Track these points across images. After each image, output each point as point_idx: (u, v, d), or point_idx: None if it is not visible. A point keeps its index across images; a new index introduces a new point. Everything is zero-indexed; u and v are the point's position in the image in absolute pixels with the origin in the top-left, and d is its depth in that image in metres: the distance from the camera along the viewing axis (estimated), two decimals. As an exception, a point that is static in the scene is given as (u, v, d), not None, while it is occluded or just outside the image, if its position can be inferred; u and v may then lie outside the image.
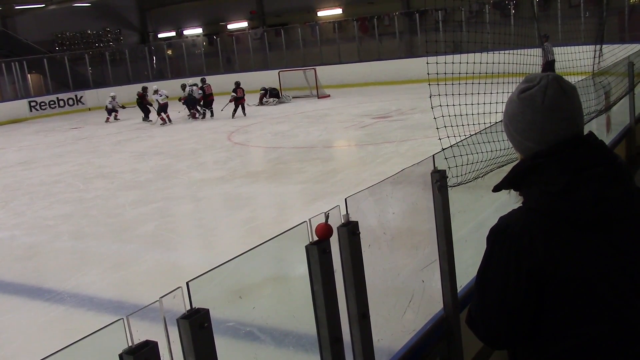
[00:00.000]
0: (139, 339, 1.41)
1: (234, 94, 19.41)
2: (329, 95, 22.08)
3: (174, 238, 8.16)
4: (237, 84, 19.66)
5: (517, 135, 1.58)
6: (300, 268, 2.77)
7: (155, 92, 19.97)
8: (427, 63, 3.49)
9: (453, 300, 2.89)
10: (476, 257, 3.56)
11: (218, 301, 1.96)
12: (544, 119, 1.52)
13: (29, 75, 28.96)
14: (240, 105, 19.41)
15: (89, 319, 5.65)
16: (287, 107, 19.90)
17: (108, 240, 8.07)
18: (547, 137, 1.52)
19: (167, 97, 19.85)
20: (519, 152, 1.62)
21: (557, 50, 7.01)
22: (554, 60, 17.13)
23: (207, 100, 20.17)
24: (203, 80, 20.95)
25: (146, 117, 21.02)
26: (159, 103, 19.76)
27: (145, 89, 21.60)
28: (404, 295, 2.71)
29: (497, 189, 1.61)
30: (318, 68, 22.61)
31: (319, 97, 21.99)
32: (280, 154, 12.57)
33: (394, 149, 11.68)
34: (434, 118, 3.61)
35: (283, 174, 10.73)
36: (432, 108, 3.52)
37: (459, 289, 2.98)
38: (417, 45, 25.60)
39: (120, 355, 1.41)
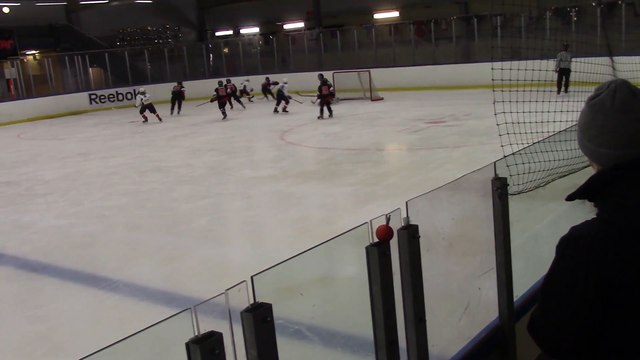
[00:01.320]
0: (204, 329, 1.45)
1: (318, 92, 18.75)
2: (382, 98, 22.01)
3: (225, 234, 8.28)
4: (324, 81, 18.90)
5: (590, 144, 1.56)
6: (351, 269, 2.78)
7: (142, 93, 21.38)
8: (492, 69, 3.44)
9: (509, 309, 2.86)
10: (531, 268, 3.51)
11: (273, 297, 1.98)
12: (616, 122, 1.50)
13: (90, 68, 29.81)
14: (325, 104, 18.55)
15: (142, 309, 5.79)
16: (339, 108, 19.91)
17: (161, 232, 8.24)
18: (621, 140, 1.49)
19: (149, 98, 21.08)
20: (594, 163, 1.59)
21: (620, 59, 6.84)
22: (567, 69, 16.91)
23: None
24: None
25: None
26: (143, 104, 21.01)
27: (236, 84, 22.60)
28: (459, 302, 2.69)
29: (570, 198, 1.59)
30: (372, 70, 22.55)
31: (372, 100, 21.94)
32: (332, 155, 12.60)
33: (447, 154, 11.56)
34: (497, 125, 3.56)
35: (334, 175, 10.75)
36: (495, 115, 3.47)
37: (514, 299, 2.94)
38: (474, 50, 25.28)
39: (187, 344, 1.45)
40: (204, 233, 8.07)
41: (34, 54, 30.82)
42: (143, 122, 20.87)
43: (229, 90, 21.95)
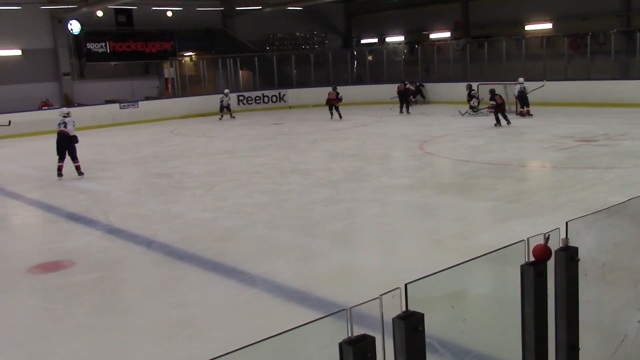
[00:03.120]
0: (357, 331, 1.45)
1: (492, 102, 18.57)
2: (529, 112, 21.15)
3: (358, 239, 8.33)
4: (492, 91, 18.80)
5: None
6: (488, 286, 2.67)
7: (225, 94, 25.28)
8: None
9: (671, 348, 2.62)
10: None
11: (422, 306, 1.95)
12: None
13: (240, 71, 31.26)
14: (501, 113, 18.41)
15: (276, 305, 5.96)
16: (482, 121, 19.38)
17: (298, 233, 8.44)
18: None
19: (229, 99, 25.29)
20: None
21: None
22: None
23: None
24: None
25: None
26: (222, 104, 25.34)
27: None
28: (614, 334, 2.50)
29: None
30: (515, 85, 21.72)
31: (517, 114, 21.15)
32: (472, 168, 12.28)
33: (597, 175, 10.87)
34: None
35: (473, 189, 10.47)
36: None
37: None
38: (635, 66, 23.61)
39: (341, 345, 1.46)
40: (339, 237, 8.16)
41: (190, 55, 32.82)
42: (220, 119, 24.88)
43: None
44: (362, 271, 6.94)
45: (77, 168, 13.31)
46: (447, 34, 33.11)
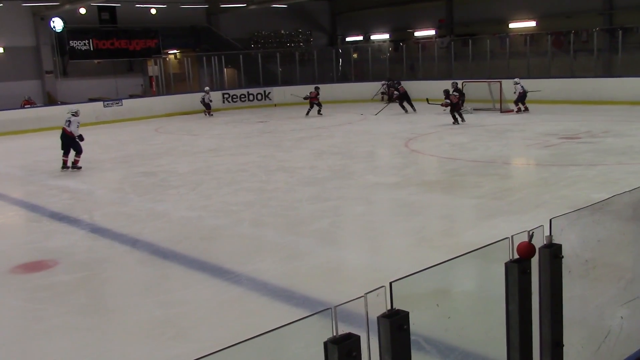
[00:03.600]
0: (342, 330, 1.45)
1: (447, 100, 18.94)
2: (512, 110, 21.29)
3: (344, 237, 8.33)
4: (447, 92, 19.26)
5: None
6: (473, 284, 2.68)
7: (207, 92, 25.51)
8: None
9: (654, 343, 2.65)
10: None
11: (406, 304, 1.95)
12: None
13: (225, 69, 31.14)
14: (456, 112, 18.90)
15: (263, 304, 5.95)
16: (467, 119, 19.46)
17: (284, 231, 8.43)
18: None
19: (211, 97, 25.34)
20: None
21: None
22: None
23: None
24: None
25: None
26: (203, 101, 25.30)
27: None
28: (598, 330, 2.52)
29: None
30: (504, 81, 21.86)
31: (501, 112, 21.27)
32: (457, 165, 12.33)
33: (580, 172, 10.97)
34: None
35: (458, 186, 10.51)
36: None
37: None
38: (617, 64, 23.81)
39: (326, 344, 1.45)
40: (325, 235, 8.17)
41: (175, 53, 32.66)
42: (205, 115, 25.37)
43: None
44: (348, 269, 6.95)
45: (75, 162, 13.72)
46: (432, 32, 33.21)
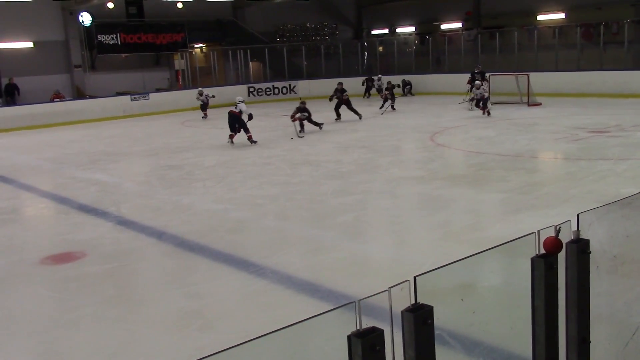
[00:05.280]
0: (366, 324, 1.45)
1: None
2: (540, 104, 21.01)
3: (369, 231, 8.32)
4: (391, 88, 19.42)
5: None
6: (498, 278, 2.66)
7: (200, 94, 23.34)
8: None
9: (683, 341, 2.60)
10: None
11: (431, 299, 1.94)
12: None
13: (250, 62, 31.25)
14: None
15: (287, 297, 5.97)
16: (493, 112, 19.25)
17: (308, 224, 8.45)
18: None
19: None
20: None
21: None
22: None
23: None
24: None
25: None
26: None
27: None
28: (627, 326, 2.49)
29: None
30: (532, 74, 21.59)
31: (529, 105, 21.01)
32: (484, 159, 12.23)
33: (609, 167, 10.80)
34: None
35: (485, 180, 10.43)
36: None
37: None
38: (648, 56, 23.40)
39: (349, 337, 1.46)
40: (349, 229, 8.17)
41: (201, 47, 32.84)
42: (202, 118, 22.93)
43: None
44: (372, 263, 6.95)
45: (249, 138, 15.70)
46: (459, 25, 32.91)
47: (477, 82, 20.06)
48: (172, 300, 5.97)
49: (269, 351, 1.72)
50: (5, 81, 26.19)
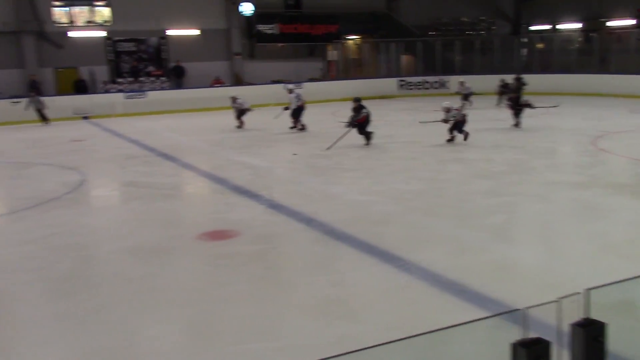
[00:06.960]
0: (518, 334, 1.42)
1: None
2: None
3: (519, 236, 8.02)
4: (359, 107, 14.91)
5: None
6: None
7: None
8: None
9: None
10: None
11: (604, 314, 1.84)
12: None
13: (402, 56, 31.16)
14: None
15: (431, 294, 5.91)
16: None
17: (455, 223, 8.30)
18: None
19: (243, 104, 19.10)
20: None
21: None
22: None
23: None
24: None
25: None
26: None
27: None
28: None
29: None
30: None
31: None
32: (651, 168, 11.32)
33: None
34: None
35: (651, 191, 9.66)
36: None
37: None
38: None
39: (514, 345, 1.43)
40: (498, 231, 7.92)
41: (354, 39, 33.23)
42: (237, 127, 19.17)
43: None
44: (521, 269, 6.68)
45: (294, 123, 18.01)
46: (630, 22, 30.57)
47: None
48: (317, 286, 6.13)
49: (415, 350, 1.72)
50: (172, 64, 28.25)
